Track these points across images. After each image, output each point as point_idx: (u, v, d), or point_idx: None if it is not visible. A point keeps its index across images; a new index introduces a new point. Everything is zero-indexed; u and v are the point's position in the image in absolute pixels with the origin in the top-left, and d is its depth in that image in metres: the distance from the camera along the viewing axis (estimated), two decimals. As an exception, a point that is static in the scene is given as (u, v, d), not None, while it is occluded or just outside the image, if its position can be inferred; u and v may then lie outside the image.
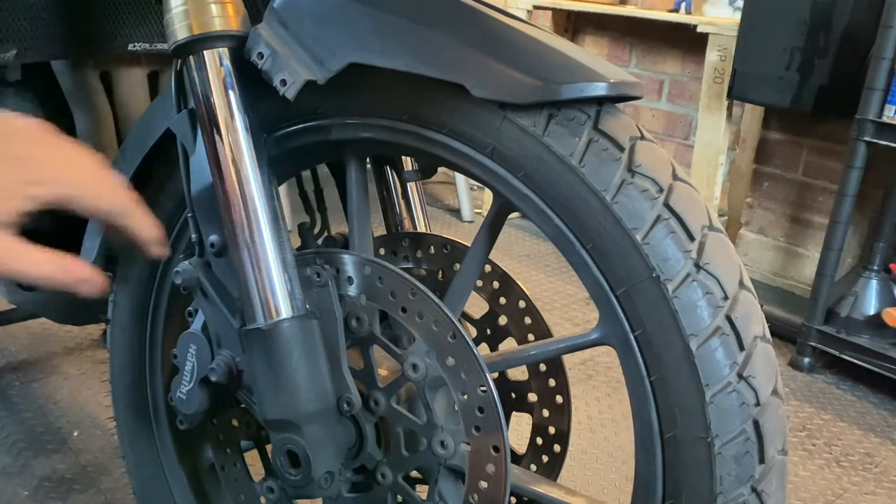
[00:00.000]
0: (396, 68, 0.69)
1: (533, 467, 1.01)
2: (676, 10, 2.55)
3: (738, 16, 2.20)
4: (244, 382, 0.80)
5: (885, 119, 1.79)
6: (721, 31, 2.27)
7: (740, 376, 0.67)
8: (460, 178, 3.02)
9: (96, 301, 1.02)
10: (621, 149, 0.68)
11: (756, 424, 0.67)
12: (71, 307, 1.26)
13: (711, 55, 2.31)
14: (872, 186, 2.06)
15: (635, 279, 0.67)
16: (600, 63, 0.70)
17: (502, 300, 0.99)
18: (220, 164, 0.76)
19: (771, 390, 0.69)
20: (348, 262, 0.79)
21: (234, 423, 0.94)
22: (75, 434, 1.53)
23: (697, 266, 0.67)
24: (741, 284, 0.69)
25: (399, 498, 0.84)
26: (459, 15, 0.71)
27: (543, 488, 0.84)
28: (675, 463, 0.69)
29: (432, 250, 0.99)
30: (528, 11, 2.77)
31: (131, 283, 1.00)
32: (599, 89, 0.67)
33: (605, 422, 1.71)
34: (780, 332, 2.13)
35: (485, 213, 3.08)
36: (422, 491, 0.83)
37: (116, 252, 0.99)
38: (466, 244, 0.95)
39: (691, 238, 0.67)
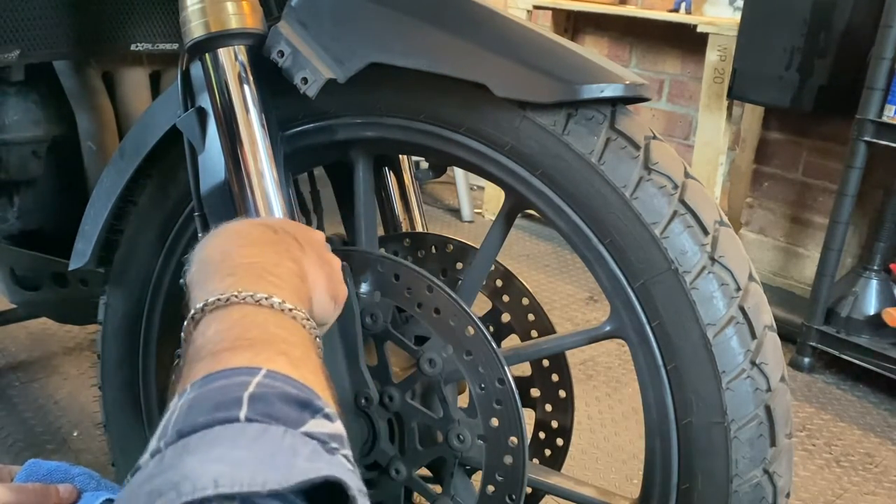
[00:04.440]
0: (419, 68, 0.70)
1: (535, 461, 1.01)
2: (676, 10, 2.55)
3: (738, 16, 2.20)
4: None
5: (885, 119, 1.79)
6: (721, 31, 2.27)
7: (753, 363, 0.69)
8: (460, 178, 3.01)
9: (97, 301, 1.01)
10: (637, 147, 0.70)
11: (768, 409, 0.70)
12: (71, 307, 1.26)
13: (711, 55, 2.31)
14: (872, 186, 2.06)
15: (654, 272, 0.69)
16: (613, 65, 0.73)
17: (505, 298, 0.99)
18: (237, 162, 0.77)
19: (779, 377, 0.72)
20: (364, 259, 0.79)
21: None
22: (75, 434, 1.53)
23: (712, 259, 0.69)
24: (750, 277, 0.72)
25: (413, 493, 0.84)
26: (477, 17, 0.72)
27: (554, 479, 0.85)
28: (691, 448, 0.71)
29: (434, 249, 0.99)
30: (528, 11, 2.77)
31: (125, 285, 0.98)
32: (618, 90, 0.70)
33: (605, 422, 1.71)
34: (781, 332, 2.11)
35: (485, 213, 3.09)
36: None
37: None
38: (468, 243, 0.96)
39: (706, 232, 0.69)
